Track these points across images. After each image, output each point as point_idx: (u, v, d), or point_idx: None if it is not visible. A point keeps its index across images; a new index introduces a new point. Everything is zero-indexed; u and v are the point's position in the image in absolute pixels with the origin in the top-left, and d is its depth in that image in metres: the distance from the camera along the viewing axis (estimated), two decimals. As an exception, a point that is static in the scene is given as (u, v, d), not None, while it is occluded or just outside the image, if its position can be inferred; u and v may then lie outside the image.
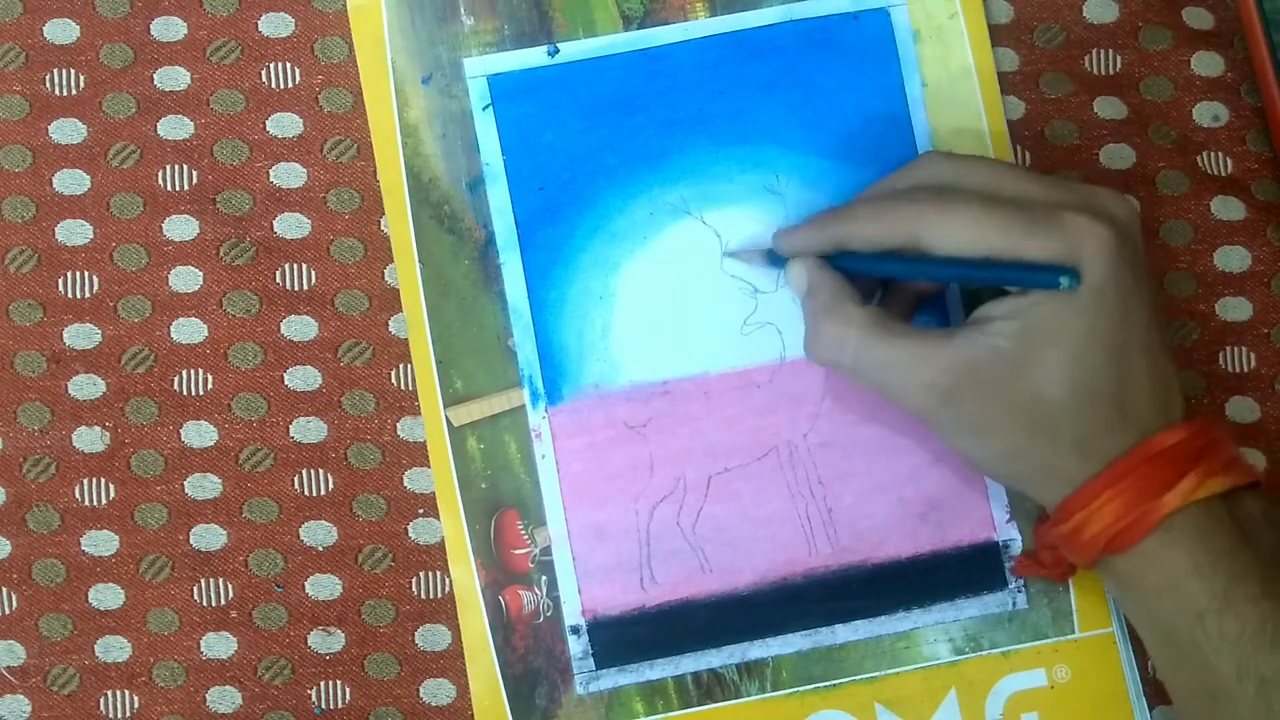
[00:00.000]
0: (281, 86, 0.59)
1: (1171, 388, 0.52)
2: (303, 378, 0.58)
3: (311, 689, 0.58)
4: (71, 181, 0.59)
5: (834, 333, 0.52)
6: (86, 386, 0.58)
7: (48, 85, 0.59)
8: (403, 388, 0.58)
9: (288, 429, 0.58)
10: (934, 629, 0.58)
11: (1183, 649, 0.50)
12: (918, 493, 0.58)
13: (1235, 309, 0.60)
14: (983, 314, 0.51)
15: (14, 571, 0.58)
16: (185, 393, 0.58)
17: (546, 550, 0.58)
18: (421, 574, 0.58)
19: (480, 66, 0.59)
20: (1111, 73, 0.60)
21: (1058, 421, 0.50)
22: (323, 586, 0.58)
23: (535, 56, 0.59)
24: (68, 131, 0.59)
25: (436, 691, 0.58)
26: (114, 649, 0.58)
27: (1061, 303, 0.50)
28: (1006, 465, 0.53)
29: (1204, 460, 0.50)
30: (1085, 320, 0.50)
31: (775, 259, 0.56)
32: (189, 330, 0.58)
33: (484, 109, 0.58)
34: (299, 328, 0.58)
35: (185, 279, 0.59)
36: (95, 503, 0.58)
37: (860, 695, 0.58)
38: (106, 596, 0.58)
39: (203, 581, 0.58)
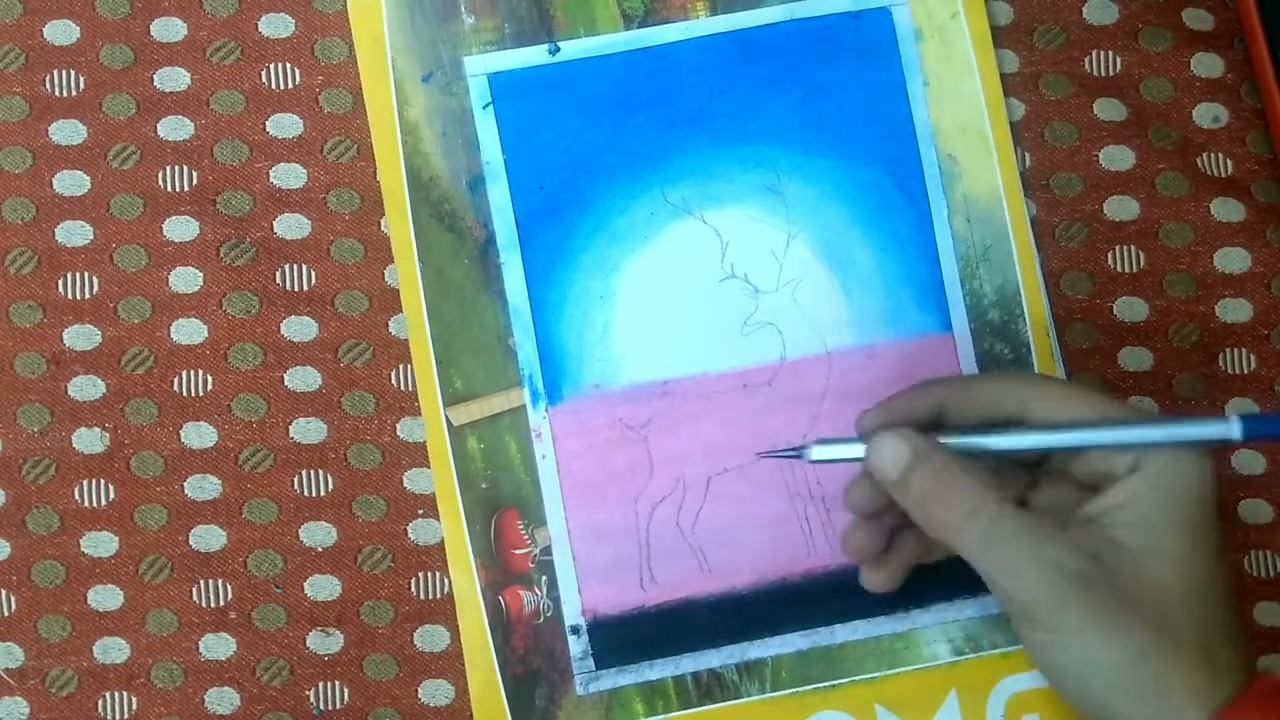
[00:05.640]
0: (281, 87, 0.59)
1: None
2: (303, 378, 0.58)
3: (310, 690, 0.57)
4: (71, 183, 0.59)
5: (968, 501, 0.48)
6: (86, 388, 0.58)
7: (48, 86, 0.59)
8: (403, 388, 0.58)
9: (287, 430, 0.58)
10: (934, 629, 0.58)
11: None
12: (918, 493, 0.58)
13: (1235, 310, 0.60)
14: (1085, 513, 0.48)
15: (13, 573, 0.58)
16: (185, 394, 0.58)
17: (547, 550, 0.57)
18: (421, 574, 0.58)
19: (481, 65, 0.59)
20: (1111, 74, 0.60)
21: (1181, 622, 0.46)
22: (322, 587, 0.58)
23: (536, 55, 0.59)
24: (68, 133, 0.59)
25: (435, 692, 0.58)
26: (112, 650, 0.57)
27: (1171, 498, 0.47)
28: (1128, 674, 0.47)
29: None
30: (1198, 513, 0.47)
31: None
32: (189, 331, 0.58)
33: (484, 107, 0.58)
34: (299, 328, 0.58)
35: (185, 280, 0.58)
36: (95, 504, 0.58)
37: (860, 696, 0.57)
38: (105, 598, 0.58)
39: (202, 583, 0.58)
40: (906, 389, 0.52)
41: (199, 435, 0.58)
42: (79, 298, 0.58)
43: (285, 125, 0.59)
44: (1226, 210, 0.60)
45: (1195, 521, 0.47)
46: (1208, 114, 0.60)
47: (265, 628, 0.58)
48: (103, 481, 0.58)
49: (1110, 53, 0.61)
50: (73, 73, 0.59)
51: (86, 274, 0.58)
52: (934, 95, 0.59)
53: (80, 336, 0.58)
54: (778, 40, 0.59)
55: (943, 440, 0.50)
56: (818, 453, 0.52)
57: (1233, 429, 0.46)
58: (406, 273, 0.58)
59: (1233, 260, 0.60)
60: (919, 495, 0.50)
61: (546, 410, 0.58)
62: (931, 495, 0.49)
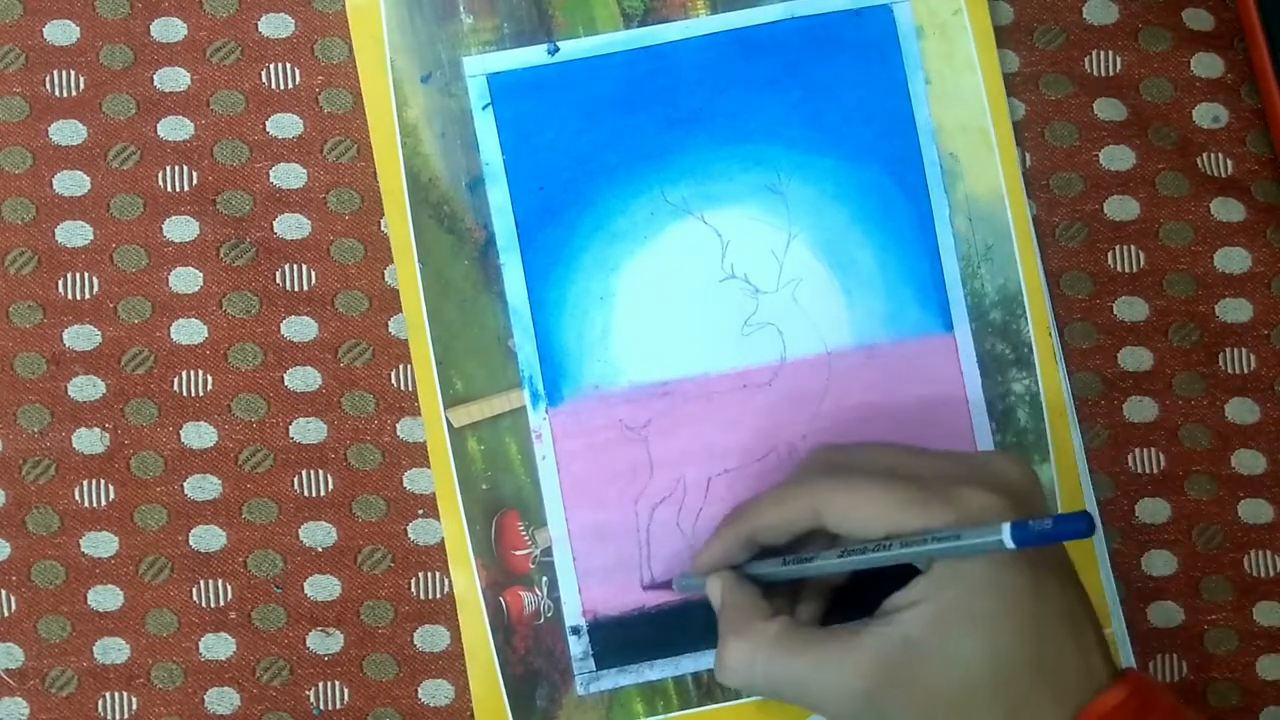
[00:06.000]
0: (281, 87, 0.59)
1: (1096, 649, 0.49)
2: (302, 378, 0.58)
3: (310, 690, 0.57)
4: (71, 183, 0.59)
5: (741, 654, 0.51)
6: (86, 388, 0.58)
7: (48, 87, 0.59)
8: (403, 388, 0.58)
9: (287, 430, 0.58)
10: (935, 629, 0.58)
11: None
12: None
13: (1235, 310, 0.60)
14: (890, 605, 0.49)
15: (13, 573, 0.58)
16: (185, 394, 0.58)
17: (547, 551, 0.57)
18: (420, 575, 0.58)
19: (480, 65, 0.59)
20: (1111, 74, 0.60)
21: (986, 703, 0.47)
22: (322, 587, 0.58)
23: (535, 55, 0.59)
24: (68, 133, 0.59)
25: (435, 692, 0.58)
26: (112, 651, 0.57)
27: (969, 580, 0.47)
28: None
29: None
30: (996, 594, 0.47)
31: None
32: (189, 331, 0.58)
33: (484, 108, 0.58)
34: (299, 328, 0.58)
35: (185, 280, 0.58)
36: (95, 504, 0.58)
37: (861, 696, 0.57)
38: (105, 598, 0.58)
39: (202, 583, 0.58)
40: (720, 528, 0.55)
41: (199, 435, 0.58)
42: (79, 298, 0.58)
43: (285, 125, 0.59)
44: (1226, 210, 0.60)
45: (991, 613, 0.47)
46: (1208, 114, 0.60)
47: (265, 628, 0.58)
48: (103, 482, 0.58)
49: (1110, 53, 0.60)
50: (73, 73, 0.59)
51: (86, 274, 0.58)
52: (935, 93, 0.59)
53: (80, 336, 0.58)
54: (778, 38, 0.59)
55: (751, 571, 0.54)
56: (677, 585, 0.57)
57: (1005, 538, 0.45)
58: (406, 273, 0.58)
59: (1233, 260, 0.60)
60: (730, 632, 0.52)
61: (546, 411, 0.58)
62: (734, 635, 0.52)
